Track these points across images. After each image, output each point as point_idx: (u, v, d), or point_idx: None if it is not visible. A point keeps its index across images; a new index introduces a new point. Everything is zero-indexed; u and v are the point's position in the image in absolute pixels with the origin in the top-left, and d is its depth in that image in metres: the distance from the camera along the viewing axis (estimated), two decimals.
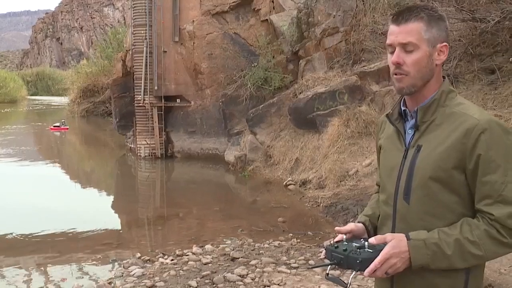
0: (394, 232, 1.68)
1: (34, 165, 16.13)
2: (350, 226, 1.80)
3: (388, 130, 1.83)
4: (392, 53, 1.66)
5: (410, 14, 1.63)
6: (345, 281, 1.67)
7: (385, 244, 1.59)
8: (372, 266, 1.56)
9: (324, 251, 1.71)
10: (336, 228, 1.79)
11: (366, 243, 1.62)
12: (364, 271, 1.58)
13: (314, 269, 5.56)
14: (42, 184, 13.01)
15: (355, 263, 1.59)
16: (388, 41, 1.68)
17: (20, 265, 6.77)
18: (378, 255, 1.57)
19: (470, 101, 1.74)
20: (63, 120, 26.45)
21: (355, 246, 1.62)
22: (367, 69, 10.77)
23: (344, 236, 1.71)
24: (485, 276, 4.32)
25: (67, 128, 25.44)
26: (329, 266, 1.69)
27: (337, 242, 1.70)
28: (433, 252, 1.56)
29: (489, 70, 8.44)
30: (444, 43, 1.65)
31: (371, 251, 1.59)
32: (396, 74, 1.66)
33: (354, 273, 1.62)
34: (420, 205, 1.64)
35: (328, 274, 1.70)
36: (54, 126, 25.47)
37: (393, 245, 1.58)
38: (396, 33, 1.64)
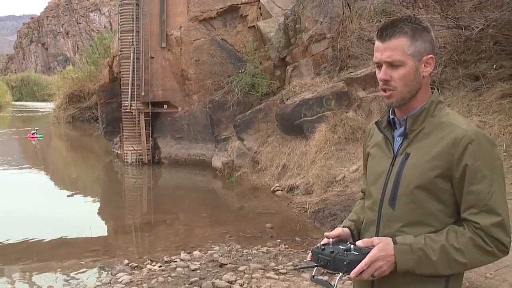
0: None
1: (19, 172, 15.91)
2: (338, 230, 1.82)
3: (377, 137, 1.84)
4: (380, 67, 1.69)
5: (394, 30, 1.64)
6: (331, 283, 1.70)
7: (371, 247, 1.62)
8: (358, 267, 1.58)
9: (311, 253, 1.73)
10: (325, 233, 1.81)
11: (352, 246, 1.65)
12: (350, 272, 1.60)
13: (302, 274, 5.58)
14: (27, 191, 12.84)
15: (342, 265, 1.61)
16: (374, 59, 1.71)
17: (4, 273, 6.69)
18: (364, 257, 1.59)
19: (455, 107, 1.78)
20: (36, 128, 25.99)
21: (342, 248, 1.65)
22: (354, 76, 10.84)
23: (331, 240, 1.74)
24: (471, 280, 4.39)
25: (36, 137, 24.52)
26: (315, 268, 1.72)
27: (323, 245, 1.74)
28: (419, 257, 1.58)
29: (473, 77, 8.55)
30: (430, 55, 1.67)
31: (357, 253, 1.62)
32: (385, 91, 1.70)
33: (340, 274, 1.64)
34: (406, 211, 1.66)
35: (313, 276, 1.73)
36: (31, 134, 24.98)
37: (380, 248, 1.60)
38: (381, 50, 1.66)
